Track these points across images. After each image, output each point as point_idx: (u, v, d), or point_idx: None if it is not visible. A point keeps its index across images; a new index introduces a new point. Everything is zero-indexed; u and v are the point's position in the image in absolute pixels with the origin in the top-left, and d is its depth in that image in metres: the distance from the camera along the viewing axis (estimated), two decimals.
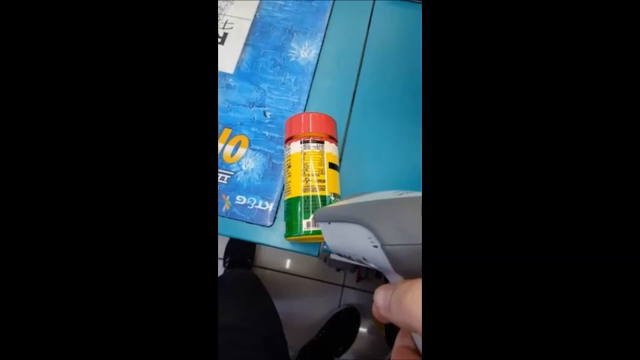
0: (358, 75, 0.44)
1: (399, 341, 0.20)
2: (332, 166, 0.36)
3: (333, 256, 0.66)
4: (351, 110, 0.43)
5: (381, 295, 0.18)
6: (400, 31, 0.46)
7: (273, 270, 1.09)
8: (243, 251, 1.04)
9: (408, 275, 0.17)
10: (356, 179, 0.40)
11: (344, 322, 1.00)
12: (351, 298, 1.06)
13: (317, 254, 0.38)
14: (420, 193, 0.18)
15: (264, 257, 1.10)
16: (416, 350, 0.19)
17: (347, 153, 0.41)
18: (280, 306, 0.64)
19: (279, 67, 0.44)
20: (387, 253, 0.17)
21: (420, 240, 0.16)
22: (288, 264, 1.10)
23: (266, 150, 0.41)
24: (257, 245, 1.07)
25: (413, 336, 0.19)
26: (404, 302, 0.16)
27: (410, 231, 0.16)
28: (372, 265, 0.19)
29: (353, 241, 0.19)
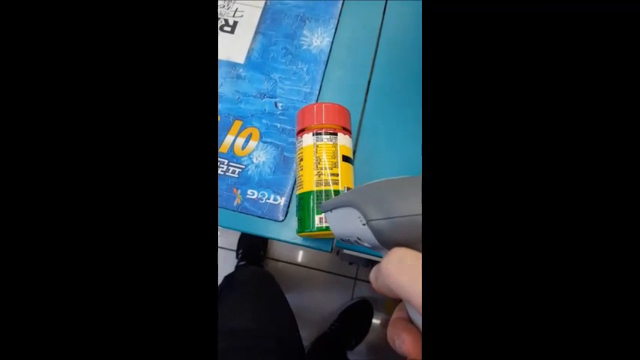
0: (373, 64, 0.43)
1: (394, 314, 0.21)
2: (346, 159, 0.34)
3: (345, 251, 0.64)
4: (365, 101, 0.41)
5: (372, 271, 0.20)
6: (417, 19, 0.44)
7: (286, 262, 1.09)
8: (256, 243, 1.04)
9: (391, 247, 0.19)
10: (370, 172, 0.39)
11: (357, 315, 0.99)
12: (363, 291, 1.05)
13: (330, 250, 0.37)
14: (401, 176, 0.21)
15: (276, 249, 1.10)
16: (409, 320, 0.20)
17: (361, 145, 0.40)
18: (292, 299, 0.63)
19: (290, 56, 0.43)
20: (371, 228, 0.19)
21: (397, 213, 0.18)
22: (300, 256, 1.10)
23: (277, 142, 0.40)
24: None
25: (405, 306, 0.20)
26: (382, 267, 0.18)
27: (389, 206, 0.18)
28: (367, 245, 0.21)
29: (348, 223, 0.21)
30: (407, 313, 0.20)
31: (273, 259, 1.09)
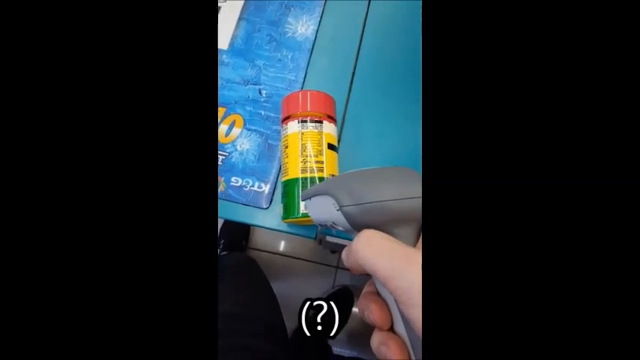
0: (358, 52, 0.43)
1: (365, 289, 0.23)
2: (331, 146, 0.35)
3: (328, 239, 0.65)
4: (350, 89, 0.42)
5: (344, 250, 0.22)
6: (402, 7, 0.45)
7: (269, 252, 1.09)
8: (238, 233, 1.03)
9: (361, 229, 0.21)
10: (354, 160, 0.39)
11: (337, 302, 1.01)
12: (345, 279, 1.07)
13: (314, 236, 0.38)
14: (373, 167, 0.23)
15: (259, 239, 1.10)
16: (377, 293, 0.22)
17: (345, 133, 0.40)
18: (275, 288, 0.63)
19: (275, 43, 0.42)
20: (344, 213, 0.21)
21: (366, 200, 0.20)
22: (282, 246, 1.10)
23: (262, 130, 0.39)
24: (252, 227, 1.07)
25: (373, 280, 0.22)
26: (353, 246, 0.20)
27: (359, 194, 0.21)
28: (341, 228, 0.23)
29: (324, 209, 0.23)
30: (375, 287, 0.22)
31: (256, 248, 1.09)
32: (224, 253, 0.98)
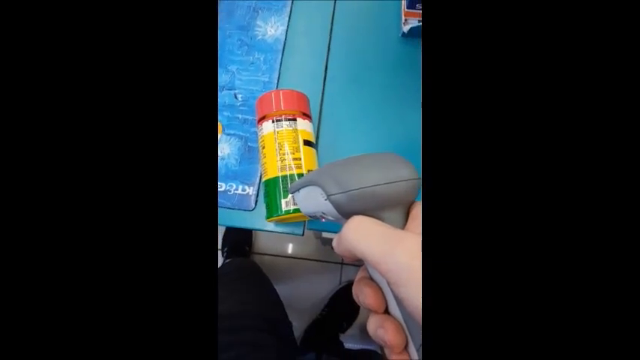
0: (329, 49, 0.43)
1: (358, 274, 0.23)
2: (307, 143, 0.35)
3: (324, 235, 0.65)
4: (324, 85, 0.42)
5: (334, 238, 0.22)
6: (371, 1, 0.45)
7: (272, 255, 1.10)
8: (240, 239, 1.04)
9: (350, 216, 0.21)
10: (334, 155, 0.40)
11: (346, 299, 1.01)
12: (351, 274, 1.07)
13: (302, 233, 0.38)
14: (359, 155, 0.23)
15: (262, 243, 1.10)
16: (370, 278, 0.22)
17: (323, 129, 0.41)
18: (282, 290, 0.64)
19: (246, 47, 0.43)
20: (331, 202, 0.21)
21: (352, 187, 0.20)
22: (286, 248, 1.11)
23: (241, 134, 0.40)
24: (254, 232, 1.07)
25: (367, 267, 0.22)
26: (342, 233, 0.20)
27: (345, 182, 0.21)
28: (331, 218, 0.23)
29: (313, 200, 0.23)
30: (368, 272, 0.22)
31: (260, 253, 1.10)
32: (228, 260, 0.99)
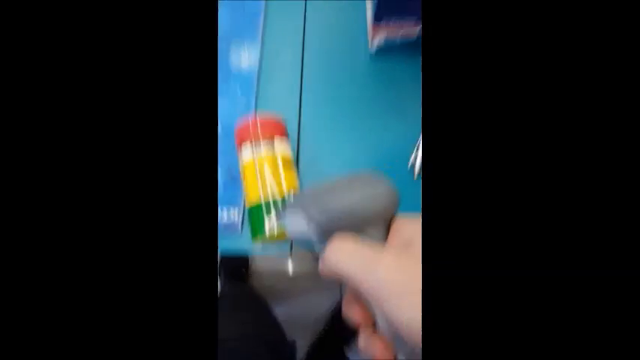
0: (302, 71, 0.45)
1: (346, 293, 0.24)
2: (287, 163, 0.36)
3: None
4: (300, 106, 0.44)
5: (319, 261, 0.22)
6: (339, 19, 0.47)
7: (271, 274, 1.10)
8: (237, 262, 1.04)
9: (332, 237, 0.21)
10: (316, 174, 0.41)
11: None
12: None
13: (290, 251, 0.39)
14: (337, 178, 0.24)
15: (259, 264, 1.10)
16: (359, 297, 0.22)
17: (304, 150, 0.42)
18: (283, 309, 0.64)
19: (222, 78, 0.44)
20: (314, 225, 0.22)
21: (331, 207, 0.21)
22: (284, 266, 1.11)
23: (222, 162, 0.41)
24: (251, 255, 1.07)
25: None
26: (325, 255, 0.21)
27: (323, 204, 0.22)
28: (316, 240, 0.23)
29: (298, 226, 0.23)
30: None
31: (257, 274, 1.10)
32: (226, 285, 0.99)
